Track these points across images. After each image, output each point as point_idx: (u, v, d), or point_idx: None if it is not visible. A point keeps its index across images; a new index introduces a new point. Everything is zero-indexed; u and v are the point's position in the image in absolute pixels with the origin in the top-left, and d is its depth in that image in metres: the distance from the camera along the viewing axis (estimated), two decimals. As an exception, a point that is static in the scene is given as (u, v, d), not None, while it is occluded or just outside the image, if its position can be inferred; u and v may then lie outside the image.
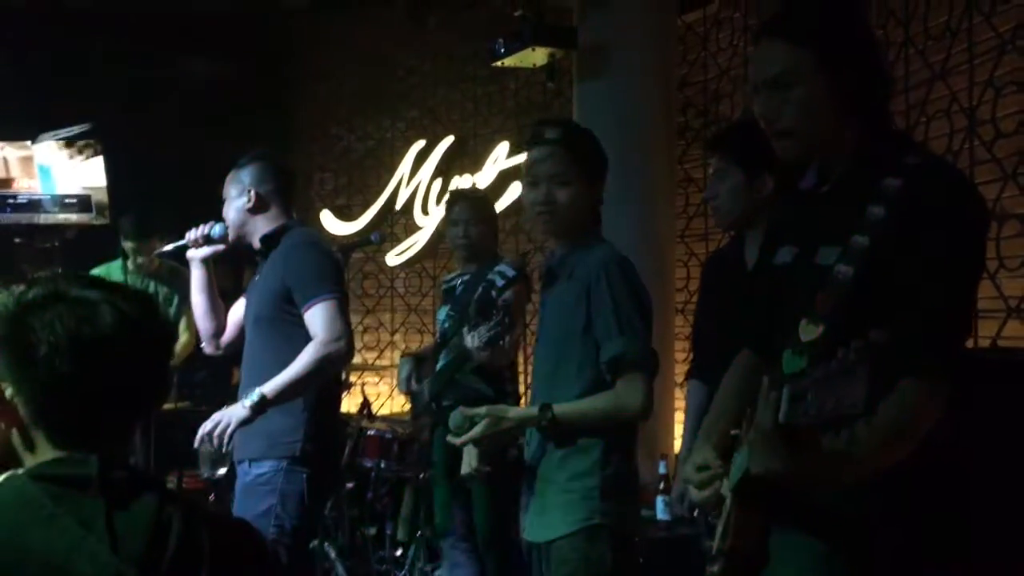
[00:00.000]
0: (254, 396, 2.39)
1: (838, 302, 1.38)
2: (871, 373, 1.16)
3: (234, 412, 2.41)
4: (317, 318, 2.48)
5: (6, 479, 1.08)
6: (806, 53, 1.46)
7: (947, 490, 1.53)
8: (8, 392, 1.10)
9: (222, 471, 2.50)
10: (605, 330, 2.01)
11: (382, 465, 3.96)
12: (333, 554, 3.76)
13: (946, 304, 1.38)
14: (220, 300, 2.81)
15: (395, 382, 5.89)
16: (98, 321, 1.07)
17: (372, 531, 4.20)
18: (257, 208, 2.65)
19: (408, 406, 5.45)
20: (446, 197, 3.61)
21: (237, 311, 2.82)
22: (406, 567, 3.88)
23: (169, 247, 2.81)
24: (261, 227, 2.66)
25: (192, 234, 2.71)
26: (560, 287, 2.12)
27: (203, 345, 2.89)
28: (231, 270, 2.95)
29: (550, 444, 2.08)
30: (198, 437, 2.42)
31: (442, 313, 3.40)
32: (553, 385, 2.11)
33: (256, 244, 2.69)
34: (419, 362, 3.41)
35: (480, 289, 3.17)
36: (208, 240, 2.71)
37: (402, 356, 3.52)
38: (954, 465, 1.71)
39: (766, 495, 1.43)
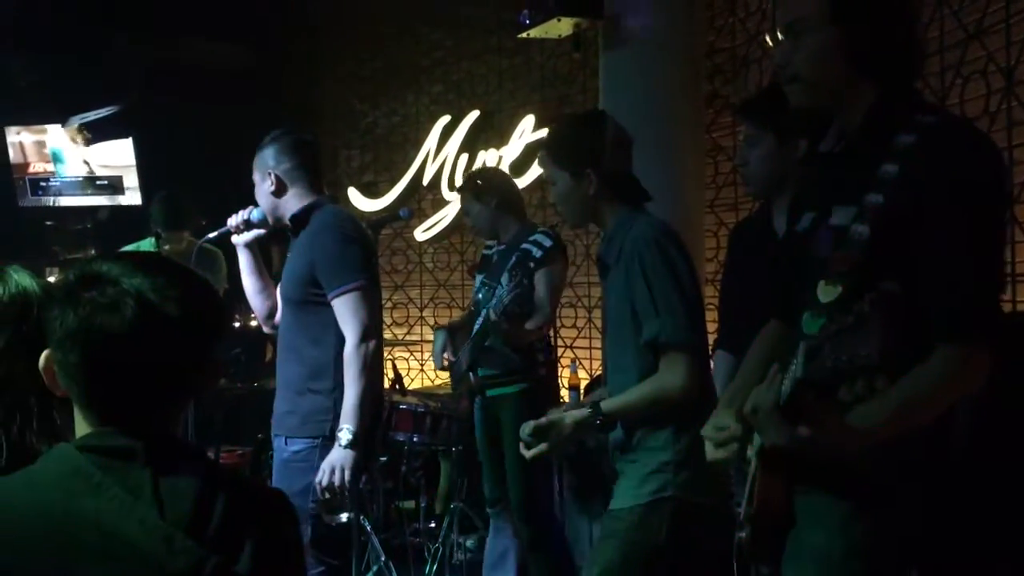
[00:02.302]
0: (347, 436, 2.42)
1: (855, 262, 1.38)
2: (884, 323, 1.17)
3: (339, 459, 2.41)
4: (343, 314, 2.51)
5: (55, 450, 1.12)
6: (821, 3, 1.47)
7: (975, 451, 1.52)
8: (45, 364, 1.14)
9: (344, 516, 2.50)
10: (643, 312, 2.04)
11: (415, 439, 3.99)
12: (368, 527, 3.80)
13: (976, 267, 1.37)
14: (270, 280, 2.86)
15: (425, 356, 5.93)
16: (117, 313, 1.07)
17: (407, 504, 4.25)
18: (280, 190, 2.65)
19: (439, 380, 5.49)
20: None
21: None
22: (440, 539, 3.92)
23: (212, 235, 2.87)
24: (291, 206, 2.67)
25: (233, 220, 2.75)
26: (612, 274, 2.15)
27: (260, 325, 2.98)
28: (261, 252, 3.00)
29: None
30: (317, 492, 2.42)
31: (478, 280, 3.44)
32: (616, 371, 2.16)
33: (288, 225, 2.71)
34: (453, 334, 3.44)
35: (514, 258, 3.19)
36: (249, 225, 2.74)
37: (435, 329, 3.55)
38: (982, 427, 1.70)
39: (789, 458, 1.44)
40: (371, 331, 2.50)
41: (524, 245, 3.24)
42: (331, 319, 2.53)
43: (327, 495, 2.42)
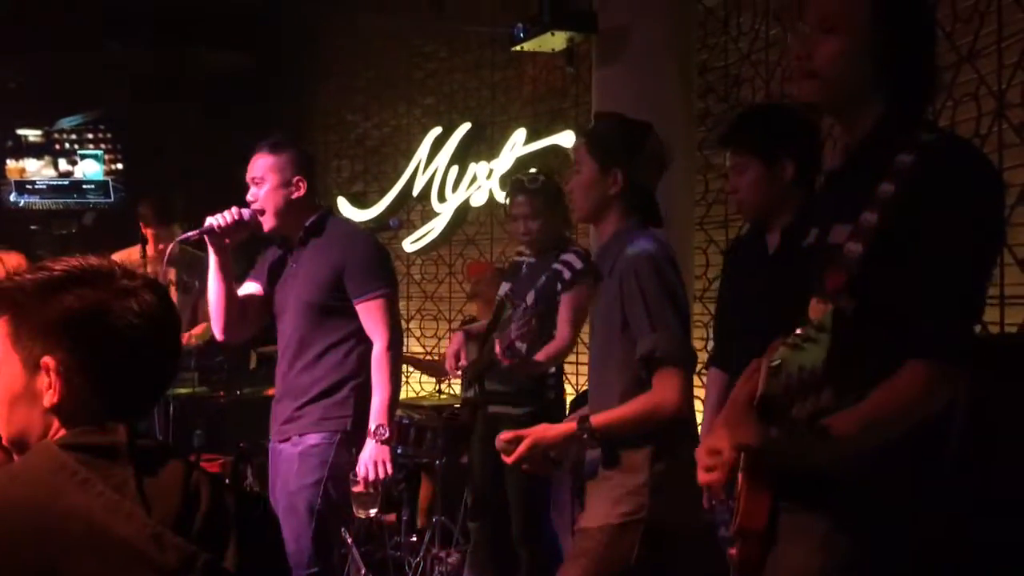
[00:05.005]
0: (383, 432, 2.54)
1: (847, 280, 1.36)
2: (831, 339, 1.19)
3: (379, 454, 2.54)
4: (373, 317, 2.58)
5: (37, 448, 1.11)
6: (862, 4, 1.45)
7: (965, 470, 1.51)
8: (55, 365, 1.10)
9: (374, 510, 2.62)
10: (638, 327, 2.02)
11: (399, 451, 3.94)
12: (349, 539, 3.75)
13: (955, 286, 1.37)
14: (235, 288, 2.76)
15: (411, 368, 5.89)
16: (139, 297, 1.12)
17: (388, 517, 4.20)
18: (304, 196, 2.65)
19: (424, 391, 5.46)
20: (507, 187, 3.41)
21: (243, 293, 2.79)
22: (421, 553, 3.88)
23: (191, 233, 2.73)
24: (302, 215, 2.67)
25: (216, 220, 2.63)
26: (604, 285, 2.13)
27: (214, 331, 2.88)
28: (243, 254, 2.92)
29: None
30: (362, 485, 2.54)
31: (503, 288, 3.30)
32: (600, 385, 2.14)
33: (293, 231, 2.67)
34: (469, 338, 3.33)
35: (544, 278, 3.09)
36: (239, 226, 2.64)
37: (455, 330, 3.47)
38: (978, 450, 1.68)
39: (774, 474, 1.42)
40: (398, 335, 2.62)
41: (555, 265, 3.08)
42: (352, 322, 2.59)
43: (367, 488, 2.52)
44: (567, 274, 3.05)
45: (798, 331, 1.27)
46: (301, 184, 2.64)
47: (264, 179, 2.64)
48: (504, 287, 3.30)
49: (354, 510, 2.57)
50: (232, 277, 2.73)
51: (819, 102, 1.51)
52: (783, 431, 1.32)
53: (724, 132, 2.57)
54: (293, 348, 2.67)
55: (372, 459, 2.53)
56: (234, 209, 2.64)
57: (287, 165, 2.64)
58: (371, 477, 2.52)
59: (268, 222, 2.65)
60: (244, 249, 2.84)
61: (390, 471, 2.54)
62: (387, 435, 2.55)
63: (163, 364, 1.17)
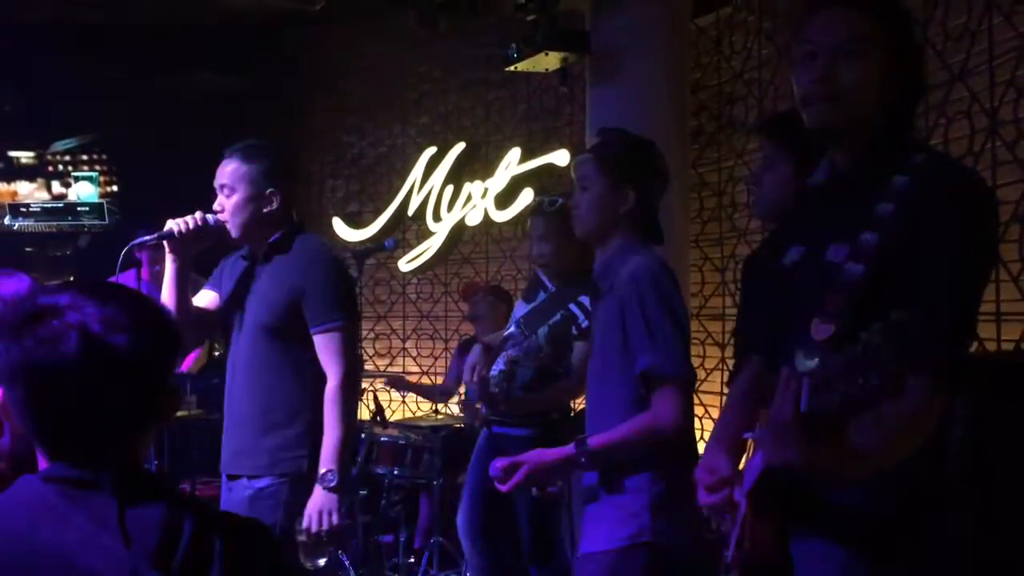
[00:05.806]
0: (332, 478, 2.31)
1: (849, 300, 1.36)
2: (896, 351, 1.16)
3: (327, 503, 2.30)
4: (329, 350, 2.38)
5: (21, 480, 1.10)
6: (877, 24, 1.45)
7: (970, 494, 1.50)
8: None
9: (322, 560, 2.38)
10: (637, 344, 1.99)
11: (395, 472, 3.94)
12: (347, 562, 3.73)
13: (950, 302, 1.37)
14: (189, 299, 2.53)
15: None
16: (59, 347, 1.06)
17: (386, 538, 4.18)
18: (278, 211, 2.43)
19: (420, 411, 5.44)
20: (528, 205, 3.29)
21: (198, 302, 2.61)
22: (419, 575, 3.85)
23: (150, 237, 2.46)
24: (272, 229, 2.45)
25: (177, 226, 2.41)
26: (603, 301, 2.11)
27: None
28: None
29: None
30: (305, 535, 2.31)
31: (519, 309, 3.23)
32: (601, 402, 2.11)
33: (259, 245, 2.46)
34: (488, 351, 3.26)
35: (559, 316, 3.04)
36: (201, 233, 2.41)
37: (451, 349, 3.42)
38: (978, 469, 1.68)
39: (782, 499, 1.41)
40: (355, 371, 2.41)
41: (572, 305, 3.02)
42: (310, 351, 2.39)
43: (312, 539, 2.30)
44: (583, 320, 2.96)
45: (848, 345, 1.22)
46: (274, 197, 2.41)
47: (233, 188, 2.41)
48: (519, 308, 3.23)
49: (301, 559, 2.32)
50: (188, 287, 2.51)
51: (835, 125, 1.48)
52: (830, 448, 1.30)
53: (770, 121, 2.49)
54: (244, 372, 2.46)
55: (317, 509, 2.30)
56: (198, 214, 2.41)
57: (260, 176, 2.41)
58: (314, 528, 2.29)
59: (233, 232, 2.44)
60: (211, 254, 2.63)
61: (335, 521, 2.30)
62: (335, 482, 2.31)
63: (81, 410, 1.08)
